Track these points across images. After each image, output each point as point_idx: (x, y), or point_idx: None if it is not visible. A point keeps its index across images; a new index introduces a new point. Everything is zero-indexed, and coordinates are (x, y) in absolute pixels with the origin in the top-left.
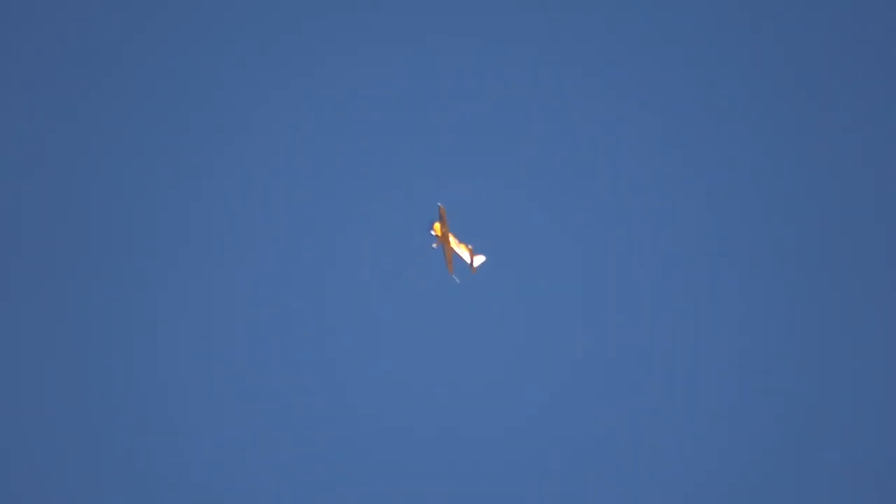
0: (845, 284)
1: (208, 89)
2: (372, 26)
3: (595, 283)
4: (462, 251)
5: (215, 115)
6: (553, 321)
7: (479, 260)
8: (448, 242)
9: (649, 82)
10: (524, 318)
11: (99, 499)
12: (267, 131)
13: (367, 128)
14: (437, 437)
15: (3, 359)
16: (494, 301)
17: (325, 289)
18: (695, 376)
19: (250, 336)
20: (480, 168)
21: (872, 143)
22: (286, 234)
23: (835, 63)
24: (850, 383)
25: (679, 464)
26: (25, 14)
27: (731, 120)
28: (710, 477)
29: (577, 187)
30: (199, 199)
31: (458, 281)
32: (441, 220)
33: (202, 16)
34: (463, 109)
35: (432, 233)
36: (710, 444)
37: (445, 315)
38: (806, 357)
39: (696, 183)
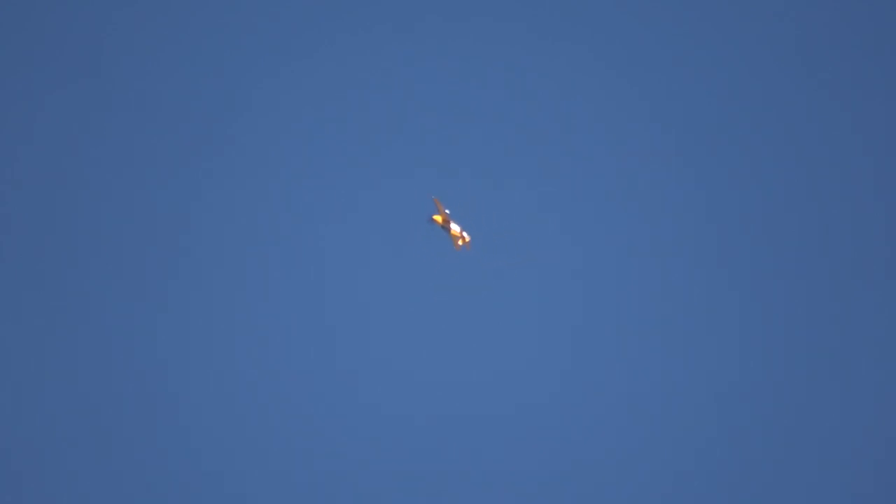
0: (848, 289)
1: (208, 90)
2: (381, 26)
3: (597, 282)
4: (458, 233)
5: (215, 114)
6: (553, 320)
7: (467, 237)
8: (449, 228)
9: (656, 86)
10: (525, 316)
11: (100, 499)
12: (263, 129)
13: (368, 123)
14: (439, 429)
15: (4, 361)
16: (494, 294)
17: (325, 285)
18: (696, 375)
19: (250, 332)
20: (491, 168)
21: (877, 148)
22: (286, 230)
23: (842, 66)
24: (851, 387)
25: (679, 464)
26: (25, 14)
27: (736, 125)
28: (709, 477)
29: (579, 187)
30: (198, 199)
31: (465, 251)
32: (438, 209)
33: (201, 16)
34: (468, 107)
35: (434, 222)
36: (708, 443)
37: (448, 309)
38: (806, 362)
39: (698, 184)
